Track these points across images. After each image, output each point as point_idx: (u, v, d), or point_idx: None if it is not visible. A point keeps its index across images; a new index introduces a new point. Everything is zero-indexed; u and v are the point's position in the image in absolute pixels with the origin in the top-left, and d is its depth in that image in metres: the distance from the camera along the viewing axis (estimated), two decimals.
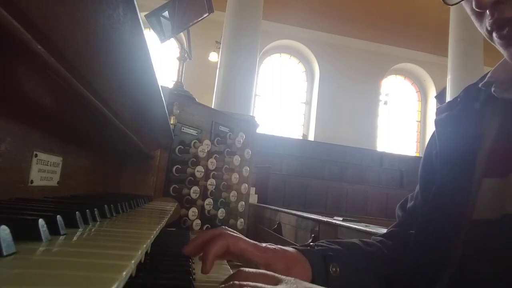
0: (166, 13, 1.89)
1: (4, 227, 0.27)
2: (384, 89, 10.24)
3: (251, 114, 6.17)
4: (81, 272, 0.25)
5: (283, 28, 9.29)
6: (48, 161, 0.68)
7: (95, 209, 0.50)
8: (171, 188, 1.54)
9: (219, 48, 6.89)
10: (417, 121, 10.62)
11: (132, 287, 0.44)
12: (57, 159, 0.73)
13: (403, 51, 10.01)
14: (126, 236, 0.44)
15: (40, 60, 0.33)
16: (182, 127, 1.62)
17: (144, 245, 0.37)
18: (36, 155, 0.63)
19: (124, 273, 0.25)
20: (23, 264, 0.25)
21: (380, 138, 9.93)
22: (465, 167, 0.59)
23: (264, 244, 0.60)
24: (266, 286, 0.36)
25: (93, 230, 0.43)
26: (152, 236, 0.45)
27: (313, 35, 9.51)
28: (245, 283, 0.37)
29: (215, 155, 1.70)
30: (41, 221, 0.32)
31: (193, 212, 1.56)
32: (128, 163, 1.42)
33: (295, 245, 0.68)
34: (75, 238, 0.37)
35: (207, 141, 1.63)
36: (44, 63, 0.34)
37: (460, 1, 0.56)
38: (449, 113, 0.67)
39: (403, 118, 10.50)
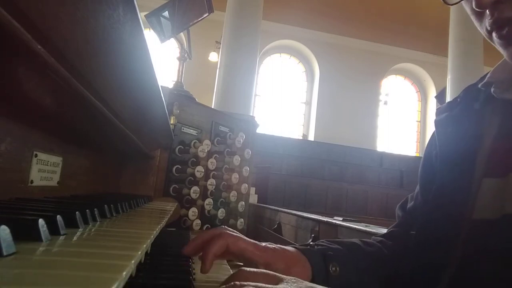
0: (166, 13, 1.89)
1: (4, 227, 0.27)
2: (384, 89, 10.24)
3: (251, 114, 6.17)
4: (81, 272, 0.25)
5: (283, 28, 9.29)
6: (48, 161, 0.68)
7: (95, 209, 0.50)
8: (171, 188, 1.54)
9: (219, 48, 6.89)
10: (417, 121, 10.63)
11: (132, 287, 0.44)
12: (57, 159, 0.73)
13: (403, 51, 10.01)
14: (126, 236, 0.44)
15: (40, 60, 0.33)
16: (182, 127, 1.62)
17: (144, 245, 0.37)
18: (36, 155, 0.63)
19: (124, 273, 0.25)
20: (23, 264, 0.25)
21: (380, 138, 9.93)
22: (465, 167, 0.59)
23: (263, 244, 0.60)
24: (267, 286, 0.36)
25: (93, 230, 0.43)
26: (152, 236, 0.45)
27: (313, 35, 9.51)
28: (246, 283, 0.37)
29: (215, 155, 1.70)
30: (41, 221, 0.32)
31: (193, 212, 1.56)
32: (128, 163, 1.42)
33: (295, 245, 0.68)
34: (75, 238, 0.37)
35: (207, 141, 1.63)
36: (44, 63, 0.34)
37: (460, 1, 0.56)
38: (449, 114, 0.67)
39: (403, 118, 10.51)
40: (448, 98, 5.64)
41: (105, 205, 0.55)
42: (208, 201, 1.65)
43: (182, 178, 1.57)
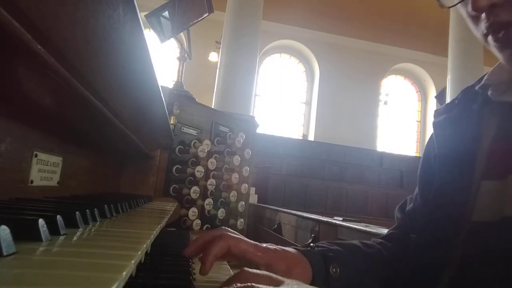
0: (166, 13, 1.89)
1: (4, 227, 0.27)
2: (384, 89, 10.23)
3: (251, 114, 6.17)
4: (81, 272, 0.25)
5: (283, 28, 9.29)
6: (48, 161, 0.68)
7: (95, 209, 0.50)
8: (171, 188, 1.54)
9: (219, 48, 6.89)
10: (417, 121, 10.63)
11: (132, 287, 0.44)
12: (57, 159, 0.73)
13: (403, 51, 10.01)
14: (126, 236, 0.44)
15: (40, 60, 0.33)
16: (182, 127, 1.63)
17: (144, 245, 0.37)
18: (36, 155, 0.63)
19: (124, 273, 0.25)
20: (23, 264, 0.25)
21: (380, 138, 9.93)
22: (465, 167, 0.59)
23: (264, 245, 0.60)
24: (267, 287, 0.36)
25: (93, 230, 0.43)
26: (152, 236, 0.45)
27: (313, 35, 9.50)
28: (248, 284, 0.37)
29: (215, 155, 1.70)
30: (41, 221, 0.32)
31: (193, 212, 1.56)
32: (128, 163, 1.42)
33: (295, 245, 0.68)
34: (75, 238, 0.37)
35: (207, 141, 1.63)
36: (44, 63, 0.34)
37: (456, 4, 0.56)
38: (447, 115, 0.67)
39: (403, 118, 10.50)
40: (448, 98, 5.65)
41: (105, 205, 0.55)
42: (208, 201, 1.65)
43: (182, 178, 1.57)
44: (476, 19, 0.54)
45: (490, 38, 0.53)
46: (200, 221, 1.61)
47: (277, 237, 2.96)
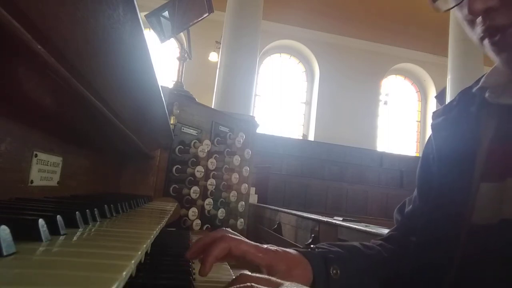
0: (166, 13, 1.89)
1: (4, 227, 0.27)
2: (384, 89, 10.23)
3: (251, 114, 6.17)
4: (81, 272, 0.25)
5: (283, 28, 9.29)
6: (48, 161, 0.68)
7: (95, 209, 0.50)
8: (171, 188, 1.54)
9: (219, 48, 6.89)
10: (417, 121, 10.63)
11: (132, 287, 0.44)
12: (57, 159, 0.73)
13: (403, 51, 10.00)
14: (126, 236, 0.44)
15: (40, 60, 0.33)
16: (182, 127, 1.63)
17: (144, 245, 0.37)
18: (36, 155, 0.63)
19: (124, 273, 0.25)
20: (23, 264, 0.25)
21: (380, 138, 9.93)
22: (465, 167, 0.59)
23: (265, 246, 0.60)
24: None
25: (93, 230, 0.43)
26: (152, 236, 0.45)
27: (313, 35, 9.50)
28: (248, 284, 0.37)
29: (215, 155, 1.70)
30: (41, 221, 0.32)
31: (193, 212, 1.56)
32: (128, 163, 1.42)
33: (295, 245, 0.68)
34: (75, 238, 0.37)
35: (207, 141, 1.63)
36: (44, 63, 0.34)
37: (451, 8, 0.57)
38: (445, 117, 0.67)
39: (403, 118, 10.50)
40: (448, 98, 5.64)
41: (105, 205, 0.55)
42: (208, 201, 1.65)
43: (182, 178, 1.57)
44: (472, 23, 0.54)
45: (486, 41, 0.53)
46: (200, 221, 1.61)
47: (277, 237, 2.96)
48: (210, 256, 0.55)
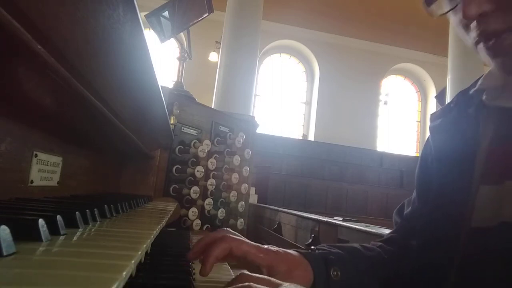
0: (166, 13, 1.89)
1: (4, 227, 0.27)
2: (384, 89, 10.23)
3: (251, 114, 6.17)
4: (81, 272, 0.25)
5: (283, 28, 9.29)
6: (48, 161, 0.68)
7: (95, 209, 0.50)
8: (171, 188, 1.54)
9: (219, 48, 6.89)
10: (417, 121, 10.63)
11: (132, 287, 0.44)
12: (57, 159, 0.73)
13: (403, 51, 10.00)
14: (126, 236, 0.44)
15: (40, 60, 0.33)
16: (182, 127, 1.62)
17: (144, 245, 0.37)
18: (36, 155, 0.63)
19: (124, 273, 0.25)
20: (23, 264, 0.25)
21: (380, 138, 9.93)
22: (465, 167, 0.59)
23: (266, 247, 0.60)
24: None
25: (93, 230, 0.43)
26: (152, 236, 0.45)
27: (313, 35, 9.50)
28: (246, 284, 0.37)
29: (215, 155, 1.70)
30: (41, 221, 0.32)
31: (193, 212, 1.56)
32: (128, 163, 1.42)
33: (295, 245, 0.68)
34: (75, 238, 0.37)
35: (207, 141, 1.63)
36: (44, 63, 0.34)
37: (445, 13, 0.57)
38: (443, 119, 0.67)
39: (403, 118, 10.50)
40: (448, 98, 5.64)
41: (105, 205, 0.55)
42: (208, 201, 1.65)
43: (182, 178, 1.57)
44: (467, 27, 0.55)
45: (481, 45, 0.53)
46: (200, 221, 1.61)
47: (277, 237, 2.96)
48: (211, 256, 0.55)
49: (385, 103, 10.16)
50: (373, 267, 0.67)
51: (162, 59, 8.01)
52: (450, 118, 0.66)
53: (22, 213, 0.40)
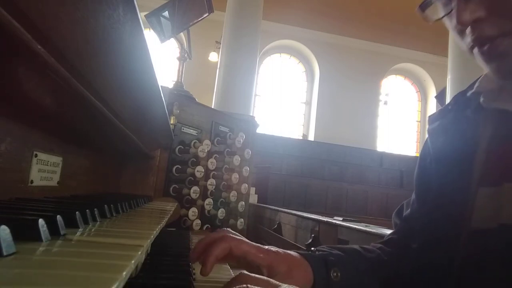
0: (166, 13, 1.89)
1: (4, 227, 0.27)
2: (384, 89, 10.23)
3: (251, 114, 6.17)
4: (81, 272, 0.25)
5: (283, 28, 9.29)
6: (48, 161, 0.68)
7: (95, 209, 0.50)
8: (171, 188, 1.54)
9: (219, 48, 6.89)
10: (417, 121, 10.63)
11: (132, 287, 0.44)
12: (57, 159, 0.73)
13: (403, 51, 10.00)
14: (126, 236, 0.43)
15: (40, 60, 0.33)
16: (182, 127, 1.63)
17: (144, 245, 0.37)
18: (36, 155, 0.63)
19: (124, 273, 0.25)
20: (23, 264, 0.25)
21: (380, 138, 9.93)
22: (465, 167, 0.59)
23: (266, 247, 0.60)
24: None
25: (93, 230, 0.43)
26: (152, 236, 0.45)
27: (313, 35, 9.50)
28: (243, 286, 0.37)
29: (215, 155, 1.70)
30: (41, 221, 0.32)
31: (193, 212, 1.56)
32: (128, 163, 1.42)
33: (295, 245, 0.68)
34: (75, 238, 0.36)
35: (207, 141, 1.63)
36: (44, 63, 0.34)
37: (440, 18, 0.57)
38: (442, 121, 0.68)
39: (403, 118, 10.50)
40: (448, 98, 5.63)
41: (105, 205, 0.55)
42: (208, 201, 1.65)
43: (182, 178, 1.57)
44: (461, 32, 0.55)
45: (476, 50, 0.54)
46: (200, 221, 1.61)
47: (277, 237, 2.96)
48: (211, 256, 0.55)
49: (385, 103, 10.16)
50: (373, 268, 0.67)
51: (162, 59, 8.01)
52: (449, 119, 0.66)
53: (22, 213, 0.40)
